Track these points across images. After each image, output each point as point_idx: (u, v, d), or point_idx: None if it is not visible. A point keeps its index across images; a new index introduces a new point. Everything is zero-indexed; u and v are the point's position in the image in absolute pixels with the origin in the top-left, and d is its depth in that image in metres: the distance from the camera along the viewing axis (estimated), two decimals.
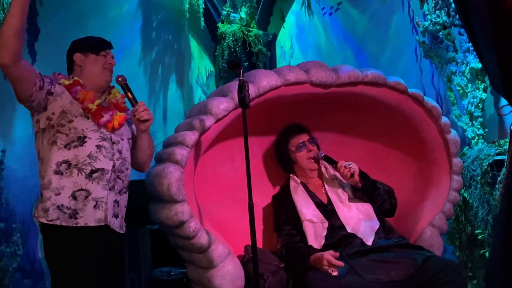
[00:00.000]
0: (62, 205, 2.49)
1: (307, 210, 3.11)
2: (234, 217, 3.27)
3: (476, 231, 3.87)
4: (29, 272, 4.41)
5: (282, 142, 3.35)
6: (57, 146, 2.52)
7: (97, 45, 2.70)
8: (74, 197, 2.51)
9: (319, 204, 3.16)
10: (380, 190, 3.17)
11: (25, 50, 4.54)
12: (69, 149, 2.52)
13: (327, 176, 3.31)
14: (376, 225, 3.09)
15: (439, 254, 3.28)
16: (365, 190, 3.14)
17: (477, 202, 3.83)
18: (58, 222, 2.49)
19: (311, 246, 3.00)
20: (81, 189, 2.52)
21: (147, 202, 2.96)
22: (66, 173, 2.51)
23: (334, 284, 2.68)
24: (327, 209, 3.13)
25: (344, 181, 3.22)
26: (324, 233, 3.02)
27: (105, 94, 2.73)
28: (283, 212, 3.19)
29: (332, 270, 2.75)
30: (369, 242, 2.99)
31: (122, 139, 2.68)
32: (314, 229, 3.05)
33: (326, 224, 3.05)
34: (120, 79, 2.67)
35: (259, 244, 2.68)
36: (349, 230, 3.02)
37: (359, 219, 3.08)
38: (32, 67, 2.50)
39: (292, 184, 3.27)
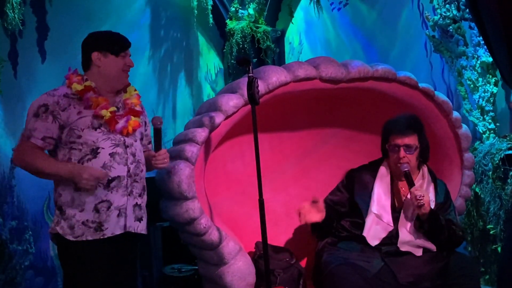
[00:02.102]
0: (87, 220, 2.49)
1: (381, 205, 3.01)
2: (244, 213, 3.27)
3: (488, 226, 3.85)
4: (41, 269, 4.43)
5: (385, 130, 3.08)
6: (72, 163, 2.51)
7: (118, 46, 2.61)
8: (96, 210, 2.50)
9: (392, 206, 3.04)
10: (442, 235, 2.92)
11: (34, 49, 4.56)
12: (82, 163, 2.49)
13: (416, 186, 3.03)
14: (427, 247, 2.96)
15: None
16: (424, 228, 2.94)
17: (489, 197, 3.81)
18: (84, 238, 2.49)
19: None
20: (102, 201, 2.51)
21: (158, 199, 2.97)
22: (84, 188, 2.49)
23: (361, 280, 2.66)
24: (395, 215, 3.01)
25: None
26: (384, 235, 2.94)
27: (121, 94, 2.68)
28: (356, 188, 3.08)
29: None
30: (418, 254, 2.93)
31: (136, 141, 2.65)
32: (376, 226, 2.96)
33: (391, 228, 2.96)
34: (158, 122, 2.63)
35: (270, 240, 2.67)
36: (398, 244, 2.92)
37: (413, 239, 2.94)
38: (41, 154, 2.50)
39: (382, 170, 3.11)
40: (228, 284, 2.77)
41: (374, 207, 2.99)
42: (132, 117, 2.62)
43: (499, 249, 3.76)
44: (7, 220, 4.19)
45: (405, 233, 2.94)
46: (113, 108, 2.56)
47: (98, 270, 2.51)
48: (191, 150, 2.74)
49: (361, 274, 2.70)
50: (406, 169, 2.94)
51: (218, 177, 3.26)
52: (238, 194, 3.34)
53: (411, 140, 2.98)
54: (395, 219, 2.98)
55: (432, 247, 2.94)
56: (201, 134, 2.76)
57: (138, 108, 2.68)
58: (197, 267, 3.24)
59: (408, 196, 2.98)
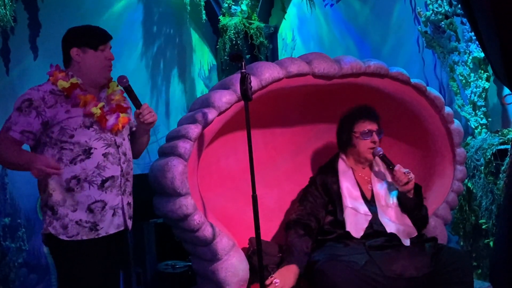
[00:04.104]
0: (80, 219, 2.49)
1: (353, 197, 3.04)
2: (238, 209, 3.27)
3: (480, 221, 3.87)
4: (35, 267, 4.43)
5: (348, 120, 3.16)
6: (63, 163, 2.48)
7: (96, 39, 2.59)
8: (90, 210, 2.50)
9: (362, 197, 3.09)
10: (422, 211, 3.10)
11: (26, 46, 4.55)
12: (75, 164, 2.48)
13: (376, 173, 3.19)
14: (413, 233, 3.02)
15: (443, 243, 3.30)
16: (411, 204, 3.06)
17: (481, 191, 3.83)
18: (79, 237, 2.49)
19: (301, 249, 2.93)
20: (96, 201, 2.50)
21: (151, 196, 2.97)
22: (77, 188, 2.48)
23: (350, 274, 2.67)
24: (369, 205, 3.06)
25: (396, 186, 3.09)
26: (366, 225, 2.96)
27: (104, 90, 2.67)
28: (323, 190, 3.09)
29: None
30: (406, 243, 2.95)
31: (124, 139, 2.65)
32: (356, 218, 2.99)
33: (370, 217, 2.99)
34: (124, 80, 2.57)
35: (263, 236, 2.68)
36: (388, 230, 2.95)
37: (398, 225, 3.00)
38: (11, 146, 2.45)
39: (341, 166, 3.15)
40: (221, 280, 2.78)
41: (347, 202, 3.03)
42: (121, 114, 2.61)
43: (491, 243, 3.78)
44: (0, 217, 4.18)
45: (388, 223, 2.99)
46: (101, 104, 2.55)
47: (93, 268, 2.52)
48: (184, 146, 2.74)
49: (349, 267, 2.71)
50: (381, 152, 3.05)
51: (211, 174, 3.26)
52: (232, 190, 3.34)
53: (378, 125, 3.11)
54: (372, 210, 3.03)
55: (414, 231, 3.00)
56: (194, 130, 2.76)
57: (124, 104, 2.66)
58: (191, 263, 3.24)
59: (378, 186, 3.09)
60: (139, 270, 4.20)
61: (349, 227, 2.96)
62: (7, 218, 4.22)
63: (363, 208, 3.03)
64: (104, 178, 2.52)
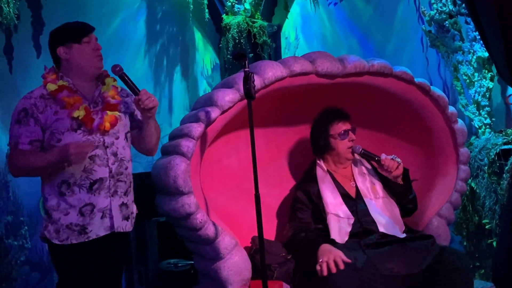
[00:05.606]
0: (71, 223, 2.50)
1: (334, 203, 3.03)
2: (240, 208, 3.27)
3: (484, 221, 3.86)
4: (37, 265, 4.43)
5: (321, 124, 3.20)
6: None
7: (77, 33, 2.57)
8: (81, 213, 2.51)
9: (346, 196, 3.08)
10: (412, 194, 3.15)
11: (29, 44, 4.55)
12: (63, 168, 2.48)
13: (357, 169, 3.22)
14: (402, 225, 3.04)
15: (446, 244, 3.29)
16: (401, 189, 3.10)
17: (485, 191, 3.81)
18: (68, 241, 2.50)
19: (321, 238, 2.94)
20: (86, 204, 2.51)
21: (154, 195, 2.97)
22: (68, 192, 2.50)
23: (349, 276, 2.66)
24: (355, 203, 3.06)
25: (384, 175, 3.11)
26: (349, 229, 2.95)
27: (99, 85, 2.65)
28: (307, 200, 3.10)
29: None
30: (401, 236, 2.96)
31: (117, 138, 2.62)
32: (339, 224, 2.97)
33: (352, 220, 2.98)
34: (117, 69, 2.55)
35: (266, 235, 2.67)
36: (380, 229, 2.95)
37: (389, 218, 3.01)
38: (30, 154, 2.48)
39: (319, 172, 3.16)
40: (224, 278, 2.78)
41: (329, 208, 3.02)
42: (108, 112, 2.58)
43: (494, 243, 3.78)
44: (2, 215, 4.19)
45: (380, 218, 2.99)
46: (84, 105, 2.51)
47: (86, 273, 2.52)
48: (187, 145, 2.73)
49: (351, 268, 2.69)
50: (361, 149, 3.11)
51: (214, 172, 3.25)
52: (234, 189, 3.34)
53: (350, 123, 3.18)
54: (359, 207, 3.04)
55: (402, 223, 3.05)
56: (197, 129, 2.76)
57: (114, 100, 2.63)
58: (193, 262, 3.24)
59: (360, 181, 3.12)
60: (141, 268, 4.20)
61: (333, 235, 2.95)
62: (9, 216, 4.22)
63: (345, 211, 3.01)
64: (92, 181, 2.51)
